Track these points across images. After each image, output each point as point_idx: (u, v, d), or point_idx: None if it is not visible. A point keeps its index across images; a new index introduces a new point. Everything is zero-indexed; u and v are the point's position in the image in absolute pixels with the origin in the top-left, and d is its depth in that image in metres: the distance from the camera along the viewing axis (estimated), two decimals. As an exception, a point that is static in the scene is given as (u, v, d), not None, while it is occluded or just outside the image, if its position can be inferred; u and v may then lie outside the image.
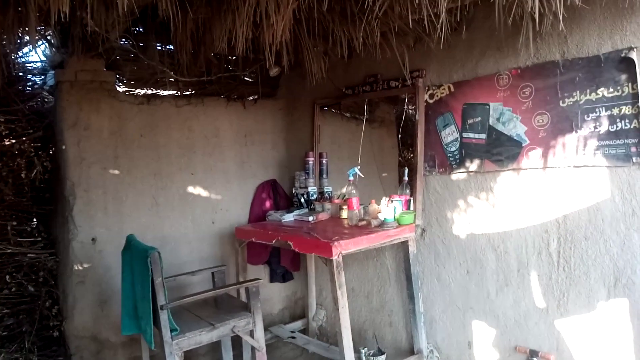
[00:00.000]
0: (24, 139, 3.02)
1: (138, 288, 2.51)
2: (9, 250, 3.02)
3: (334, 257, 2.64)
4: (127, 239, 2.71)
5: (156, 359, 2.91)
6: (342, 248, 2.67)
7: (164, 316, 2.39)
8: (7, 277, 3.04)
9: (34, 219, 3.30)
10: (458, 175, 2.95)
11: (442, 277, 3.05)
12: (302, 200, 3.77)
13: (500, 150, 2.72)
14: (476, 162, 2.85)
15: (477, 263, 2.86)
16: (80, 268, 3.16)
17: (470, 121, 2.87)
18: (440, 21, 2.27)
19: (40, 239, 3.22)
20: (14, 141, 2.98)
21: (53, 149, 3.27)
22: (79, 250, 3.15)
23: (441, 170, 3.04)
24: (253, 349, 2.76)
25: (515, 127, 2.64)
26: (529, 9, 2.04)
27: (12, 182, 3.01)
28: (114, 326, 3.12)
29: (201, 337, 2.53)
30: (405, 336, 3.27)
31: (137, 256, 2.51)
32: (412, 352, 3.13)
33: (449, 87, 2.97)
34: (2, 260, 3.04)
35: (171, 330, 2.43)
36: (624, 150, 2.24)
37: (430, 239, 3.11)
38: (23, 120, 3.08)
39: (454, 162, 2.96)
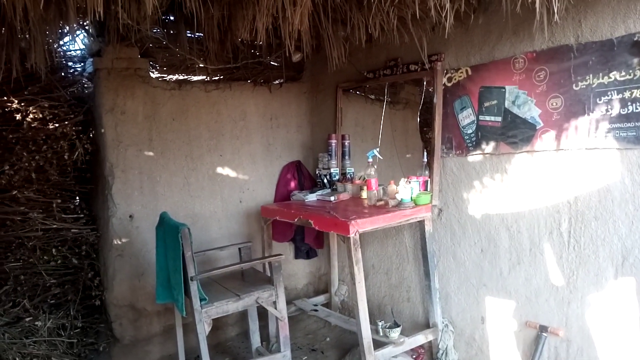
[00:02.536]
0: (66, 123, 3.27)
1: (170, 261, 2.74)
2: (54, 226, 3.31)
3: (351, 235, 2.79)
4: (160, 216, 2.94)
5: (188, 327, 3.16)
6: (359, 226, 2.82)
7: (193, 287, 2.61)
8: (54, 250, 3.33)
9: (77, 197, 3.58)
10: (474, 157, 3.03)
11: (458, 255, 3.16)
12: (325, 181, 3.92)
13: (515, 132, 2.78)
14: (492, 144, 2.92)
15: (491, 242, 2.96)
16: (119, 242, 3.42)
17: (486, 104, 2.93)
18: (455, 7, 2.35)
19: (82, 215, 3.50)
20: (57, 125, 3.23)
21: (93, 132, 3.52)
22: (117, 226, 3.42)
23: (458, 152, 3.12)
24: (277, 319, 2.96)
25: (530, 110, 2.70)
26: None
27: (56, 163, 3.28)
28: (150, 296, 3.38)
29: (228, 307, 2.74)
30: (422, 311, 3.41)
31: (169, 232, 2.72)
32: (427, 326, 3.28)
33: (466, 71, 3.03)
34: (48, 235, 3.33)
35: (200, 300, 2.65)
36: (634, 133, 2.28)
37: (446, 219, 3.21)
38: (65, 105, 3.33)
39: (471, 144, 3.04)
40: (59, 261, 3.35)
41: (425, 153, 3.29)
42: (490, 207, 2.96)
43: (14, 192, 3.11)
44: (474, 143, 3.03)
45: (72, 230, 3.41)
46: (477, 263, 3.06)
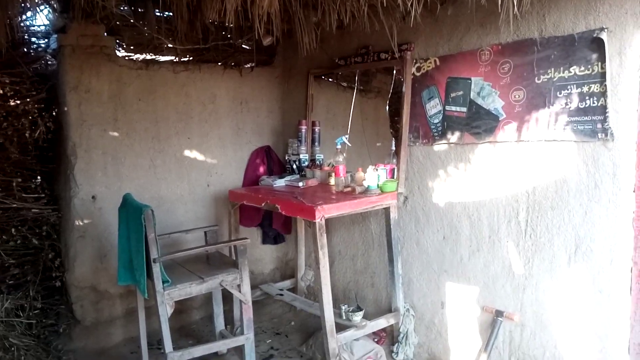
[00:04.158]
0: (28, 100, 3.17)
1: (133, 242, 2.71)
2: (14, 205, 3.22)
3: (317, 220, 2.82)
4: (123, 197, 2.89)
5: (150, 310, 3.13)
6: (324, 212, 2.84)
7: (156, 269, 2.59)
8: (13, 230, 3.24)
9: (38, 177, 3.47)
10: (440, 147, 3.09)
11: (421, 242, 3.23)
12: (294, 166, 3.92)
13: (479, 123, 2.84)
14: (457, 134, 2.98)
15: (453, 229, 3.04)
16: (81, 223, 3.36)
17: (453, 94, 2.99)
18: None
19: (43, 195, 3.41)
20: (18, 102, 3.13)
21: (56, 110, 3.42)
22: (79, 206, 3.35)
23: (424, 141, 3.18)
24: (241, 302, 2.97)
25: (494, 102, 2.76)
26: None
27: (17, 141, 3.18)
28: (113, 278, 3.33)
29: (191, 289, 2.74)
30: (385, 296, 3.48)
31: (132, 213, 2.69)
32: (390, 310, 3.34)
33: (435, 61, 3.07)
34: (7, 214, 3.24)
35: (163, 282, 2.63)
36: (590, 127, 2.36)
37: (411, 206, 3.27)
38: (27, 82, 3.22)
39: (437, 134, 3.10)
40: (19, 241, 3.26)
41: (393, 141, 3.33)
42: (453, 195, 3.03)
43: (-29, 170, 3.01)
44: (440, 132, 3.08)
45: (33, 210, 3.32)
46: (439, 250, 3.13)
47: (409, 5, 2.28)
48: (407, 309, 3.28)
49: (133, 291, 3.34)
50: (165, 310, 2.64)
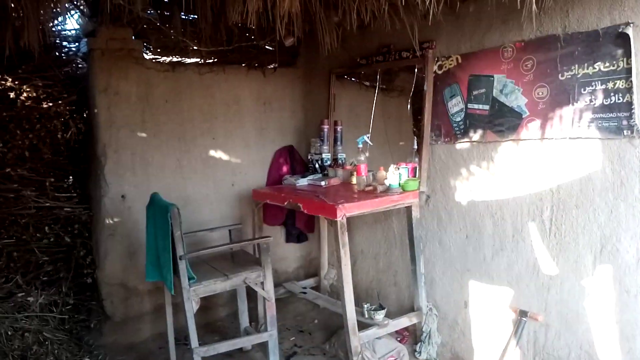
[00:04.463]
0: (59, 102, 3.30)
1: (160, 240, 2.79)
2: (47, 204, 3.36)
3: (338, 219, 2.84)
4: (151, 196, 2.98)
5: (177, 306, 3.21)
6: (346, 210, 2.87)
7: (182, 266, 2.67)
8: (46, 228, 3.38)
9: (70, 177, 3.62)
10: (462, 145, 3.07)
11: (444, 241, 3.22)
12: (317, 166, 3.95)
13: (502, 121, 2.82)
14: (479, 132, 2.96)
15: (476, 228, 3.02)
16: (111, 222, 3.47)
17: (475, 92, 2.97)
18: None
19: (75, 194, 3.55)
20: (51, 104, 3.26)
21: (86, 112, 3.55)
22: (109, 205, 3.46)
23: (446, 139, 3.16)
24: (264, 299, 3.02)
25: (517, 99, 2.73)
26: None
27: (49, 142, 3.32)
28: (141, 275, 3.42)
29: (216, 286, 2.80)
30: (408, 295, 3.48)
31: (159, 211, 2.77)
32: (413, 309, 3.34)
33: (457, 59, 3.06)
34: (41, 213, 3.37)
35: (189, 279, 2.71)
36: (616, 123, 2.32)
37: (434, 205, 3.26)
38: (59, 85, 3.35)
39: (459, 132, 3.08)
40: (52, 239, 3.40)
41: (415, 140, 3.33)
42: (476, 194, 3.01)
43: (7, 170, 3.14)
44: (462, 131, 3.06)
45: (65, 209, 3.45)
46: (462, 249, 3.11)
47: (429, 3, 2.28)
48: (430, 308, 3.27)
49: (161, 288, 3.42)
50: (191, 306, 2.71)
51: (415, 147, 3.31)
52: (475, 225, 3.02)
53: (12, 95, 3.12)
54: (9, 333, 2.90)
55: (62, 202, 3.44)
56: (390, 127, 4.23)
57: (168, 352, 3.19)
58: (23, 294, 3.14)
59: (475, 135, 2.98)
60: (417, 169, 3.26)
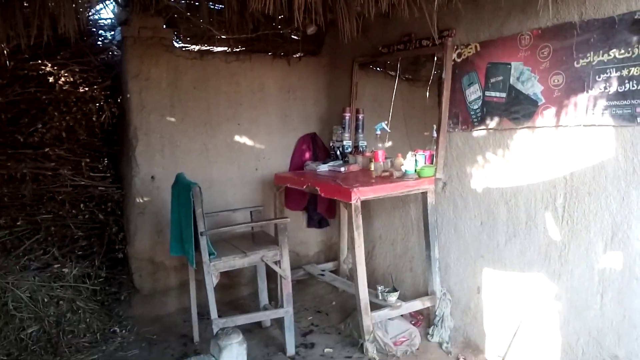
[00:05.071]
0: (95, 87, 3.50)
1: (183, 217, 2.96)
2: (83, 183, 3.59)
3: (353, 202, 2.94)
4: (176, 176, 3.15)
5: (201, 284, 3.37)
6: (360, 194, 2.96)
7: (203, 241, 2.82)
8: (82, 205, 3.61)
9: (105, 158, 3.84)
10: (478, 132, 3.11)
11: (459, 227, 3.27)
12: (338, 152, 4.05)
13: (518, 108, 2.84)
14: (495, 119, 2.99)
15: (490, 215, 3.05)
16: (141, 201, 3.68)
17: (492, 80, 2.99)
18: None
19: (109, 175, 3.77)
20: (87, 89, 3.47)
21: (120, 97, 3.75)
22: (140, 185, 3.67)
23: (464, 127, 3.20)
24: (281, 277, 3.15)
25: (533, 87, 2.75)
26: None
27: (85, 125, 3.53)
28: (168, 252, 3.58)
29: (234, 262, 2.95)
30: (423, 280, 3.54)
31: (182, 190, 2.94)
32: (427, 294, 3.41)
33: (475, 47, 3.08)
34: (77, 191, 3.61)
35: (209, 254, 2.87)
36: (630, 111, 2.32)
37: (450, 192, 3.31)
38: (94, 70, 3.56)
39: (476, 120, 3.11)
40: (87, 216, 3.63)
41: (434, 128, 3.37)
42: (491, 181, 3.04)
43: (46, 150, 3.38)
44: (479, 118, 3.09)
45: (99, 188, 3.68)
46: (476, 235, 3.15)
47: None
48: (444, 293, 3.33)
49: (185, 265, 3.60)
50: (211, 280, 2.87)
51: (435, 134, 3.36)
52: (490, 212, 3.06)
53: (51, 79, 3.34)
54: (46, 300, 3.14)
55: (96, 181, 3.66)
56: (412, 116, 4.26)
57: (191, 325, 3.38)
58: (59, 265, 3.38)
59: (492, 123, 3.01)
60: (434, 156, 3.31)
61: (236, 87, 4.01)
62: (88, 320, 3.28)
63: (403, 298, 3.39)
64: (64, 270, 3.35)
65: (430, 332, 3.33)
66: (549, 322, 2.74)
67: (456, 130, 3.24)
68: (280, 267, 3.08)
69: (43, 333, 3.06)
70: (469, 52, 3.13)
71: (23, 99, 3.29)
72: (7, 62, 3.13)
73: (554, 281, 2.72)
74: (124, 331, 3.39)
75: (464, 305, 3.26)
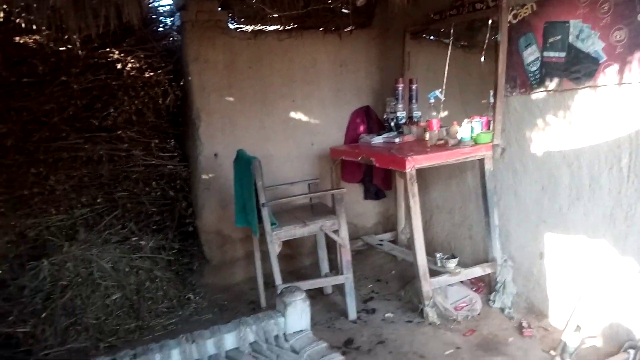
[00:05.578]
0: (159, 72, 3.72)
1: (245, 190, 3.12)
2: (153, 162, 3.85)
3: (407, 170, 2.98)
4: (237, 152, 3.32)
5: (265, 255, 3.56)
6: (415, 162, 2.99)
7: (264, 212, 2.98)
8: (153, 183, 3.88)
9: (171, 139, 4.08)
10: (537, 95, 3.03)
11: (519, 193, 3.22)
12: (392, 124, 4.07)
13: (578, 68, 2.74)
14: (555, 80, 2.90)
15: (552, 179, 2.99)
16: (206, 177, 3.90)
17: (550, 40, 2.90)
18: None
19: (176, 154, 4.01)
20: (152, 74, 3.69)
21: (182, 80, 3.96)
22: (204, 163, 3.89)
23: (522, 90, 3.13)
24: (339, 246, 3.27)
25: (593, 44, 2.64)
26: None
27: (152, 108, 3.76)
28: (233, 225, 3.78)
29: (295, 231, 3.09)
30: (483, 248, 3.54)
31: (243, 164, 3.10)
32: (486, 261, 3.41)
33: (532, 6, 2.99)
34: (148, 170, 3.87)
35: (271, 224, 3.02)
36: (701, 62, 2.20)
37: (509, 158, 3.26)
38: (158, 56, 3.78)
39: (534, 82, 3.03)
40: (158, 193, 3.90)
41: (491, 93, 3.32)
42: (552, 144, 2.97)
43: (119, 132, 3.65)
44: (537, 80, 3.01)
45: (168, 167, 3.93)
46: (538, 200, 3.10)
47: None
48: (505, 259, 3.31)
49: (250, 237, 3.80)
50: (274, 248, 3.03)
51: (492, 100, 3.31)
52: (551, 175, 2.99)
53: (119, 66, 3.58)
54: (126, 270, 3.44)
55: (165, 160, 3.91)
56: (467, 84, 4.18)
57: (258, 292, 3.58)
58: (136, 238, 3.67)
59: (551, 84, 2.93)
60: (492, 122, 3.27)
61: (289, 65, 4.11)
62: (165, 288, 3.56)
63: (462, 265, 3.41)
64: (141, 243, 3.64)
65: (491, 298, 3.34)
66: (616, 286, 2.68)
67: (514, 94, 3.18)
68: (338, 236, 3.19)
69: (125, 299, 3.37)
70: (525, 13, 3.03)
71: (95, 85, 3.55)
72: (80, 51, 3.39)
73: (619, 243, 2.65)
74: (197, 298, 3.66)
75: (526, 271, 3.23)
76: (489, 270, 3.36)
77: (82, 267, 3.28)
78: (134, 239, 3.66)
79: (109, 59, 3.59)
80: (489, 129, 3.28)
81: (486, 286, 3.50)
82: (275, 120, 4.10)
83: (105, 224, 3.66)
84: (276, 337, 1.71)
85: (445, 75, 3.79)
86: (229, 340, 1.65)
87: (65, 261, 3.25)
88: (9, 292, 3.25)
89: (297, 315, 1.78)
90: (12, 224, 3.42)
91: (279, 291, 3.01)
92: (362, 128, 4.36)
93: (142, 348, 1.59)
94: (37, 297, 3.20)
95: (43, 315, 3.12)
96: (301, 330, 1.77)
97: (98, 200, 3.68)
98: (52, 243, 3.43)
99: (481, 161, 3.27)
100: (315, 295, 3.57)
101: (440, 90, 3.48)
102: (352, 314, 3.29)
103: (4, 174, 3.44)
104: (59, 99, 3.47)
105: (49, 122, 3.47)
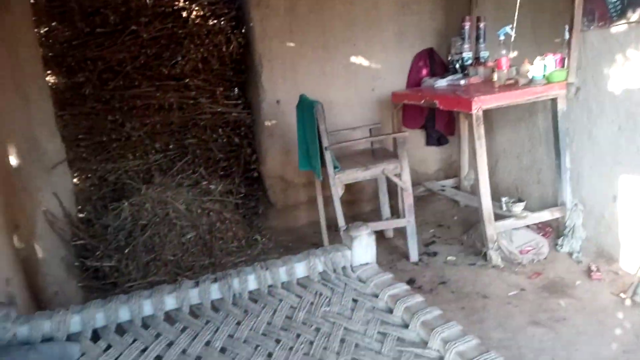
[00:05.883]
0: (222, 19, 3.78)
1: (308, 134, 3.18)
2: (219, 110, 3.98)
3: (474, 111, 2.90)
4: (299, 97, 3.35)
5: (328, 200, 3.63)
6: (482, 103, 2.90)
7: (327, 155, 3.03)
8: (220, 130, 4.03)
9: (235, 86, 4.19)
10: (618, 28, 2.80)
11: (593, 134, 3.06)
12: (457, 66, 3.93)
13: (669, -6, 2.50)
14: (638, 11, 2.67)
15: (630, 118, 2.81)
16: (269, 124, 3.99)
17: (637, -36, 2.65)
18: None
19: (240, 102, 4.12)
20: (215, 21, 3.76)
21: (244, 27, 4.00)
22: (267, 110, 3.97)
23: (600, 23, 2.90)
24: (402, 190, 3.28)
25: (689, -35, 2.39)
26: None
27: (216, 55, 3.86)
28: (296, 170, 3.91)
29: (357, 174, 3.13)
30: (552, 192, 3.43)
31: (306, 109, 3.14)
32: (555, 206, 3.31)
33: None
34: (215, 117, 4.02)
35: (334, 167, 3.08)
36: None
37: (584, 97, 3.08)
38: (220, 3, 3.83)
39: (615, 14, 2.80)
40: (224, 139, 4.06)
41: (567, 28, 3.11)
42: (632, 81, 2.77)
43: (187, 80, 3.79)
44: (618, 12, 2.78)
45: (233, 114, 4.06)
46: (613, 141, 2.94)
47: None
48: (575, 203, 3.20)
49: (313, 182, 3.90)
50: (337, 191, 3.09)
51: (567, 36, 3.10)
52: (630, 115, 2.81)
53: (184, 14, 3.67)
54: (199, 211, 3.65)
55: (230, 108, 4.04)
56: (540, 20, 3.92)
57: (321, 235, 3.70)
58: (206, 182, 3.87)
59: (634, 15, 2.69)
60: (566, 58, 3.08)
61: (350, 7, 4.02)
62: (234, 229, 3.76)
63: (529, 210, 3.33)
64: (210, 187, 3.83)
65: (559, 242, 3.26)
66: (698, 229, 2.54)
67: (591, 28, 2.96)
68: (400, 180, 3.20)
69: (199, 239, 3.59)
70: None
71: (163, 34, 3.68)
72: (147, 0, 3.50)
73: None
74: (263, 239, 3.83)
75: (597, 215, 3.12)
76: (557, 215, 3.26)
77: (159, 208, 3.51)
78: (204, 183, 3.86)
79: (174, 7, 3.68)
80: (563, 66, 3.10)
81: (554, 231, 3.41)
82: (336, 65, 4.08)
83: (177, 169, 3.88)
84: (343, 268, 1.78)
85: (517, 11, 3.57)
86: (300, 269, 1.75)
87: (143, 202, 3.49)
88: (94, 230, 3.56)
89: (363, 248, 1.84)
90: (94, 168, 3.70)
91: (341, 232, 3.11)
92: (425, 71, 4.25)
93: (221, 273, 1.72)
94: (119, 235, 3.49)
95: (126, 251, 3.41)
96: (367, 263, 1.84)
97: (170, 147, 3.88)
98: (130, 186, 3.69)
99: (554, 101, 3.11)
100: (376, 239, 3.62)
101: (510, 26, 3.29)
102: (414, 256, 3.34)
103: (84, 122, 3.70)
104: (130, 48, 3.64)
105: (122, 70, 3.65)
